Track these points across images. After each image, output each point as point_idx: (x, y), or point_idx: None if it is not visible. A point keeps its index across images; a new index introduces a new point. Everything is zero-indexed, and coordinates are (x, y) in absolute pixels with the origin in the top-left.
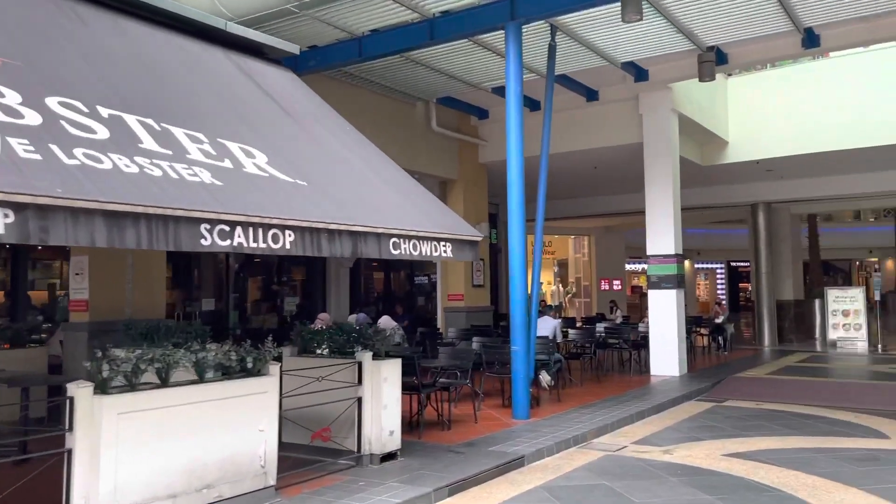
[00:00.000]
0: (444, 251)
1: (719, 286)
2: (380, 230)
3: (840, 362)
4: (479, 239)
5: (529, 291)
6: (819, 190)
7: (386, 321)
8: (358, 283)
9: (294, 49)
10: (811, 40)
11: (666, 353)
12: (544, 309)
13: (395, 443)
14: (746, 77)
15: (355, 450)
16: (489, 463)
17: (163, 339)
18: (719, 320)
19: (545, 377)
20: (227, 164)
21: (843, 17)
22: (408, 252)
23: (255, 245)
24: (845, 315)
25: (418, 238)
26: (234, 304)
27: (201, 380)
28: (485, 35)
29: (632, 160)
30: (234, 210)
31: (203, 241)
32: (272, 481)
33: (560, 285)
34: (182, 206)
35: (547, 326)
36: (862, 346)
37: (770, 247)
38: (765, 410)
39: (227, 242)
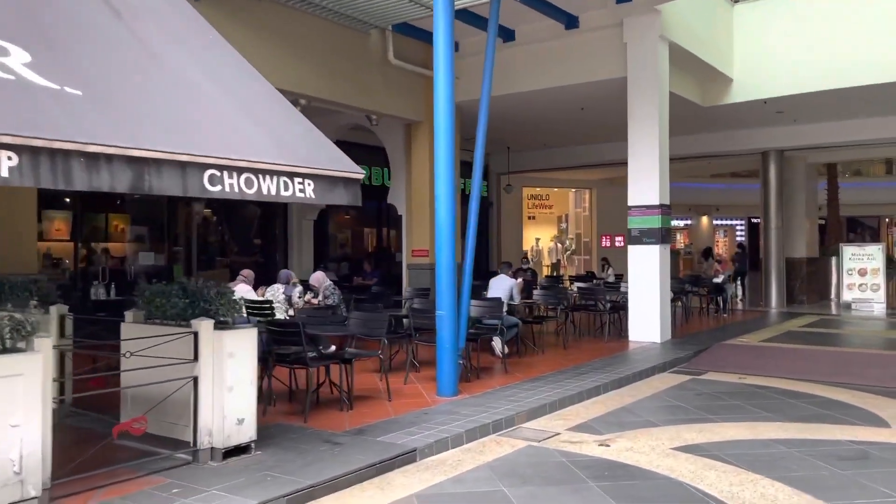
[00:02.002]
0: (302, 190)
1: (740, 239)
2: (183, 157)
3: (851, 327)
4: (360, 176)
5: (532, 250)
6: (837, 135)
7: (318, 277)
8: (326, 236)
9: None
10: None
11: (646, 317)
12: (501, 267)
13: (246, 434)
14: (753, 3)
15: (191, 443)
16: (366, 459)
17: (7, 297)
18: (719, 279)
19: (497, 344)
20: None
21: None
22: (237, 189)
23: None
24: (861, 274)
25: (255, 171)
26: (179, 257)
27: None
28: None
29: (622, 100)
30: None
31: None
32: (34, 492)
33: (558, 242)
34: None
35: (501, 287)
36: (879, 308)
37: (781, 199)
38: (747, 386)
39: None
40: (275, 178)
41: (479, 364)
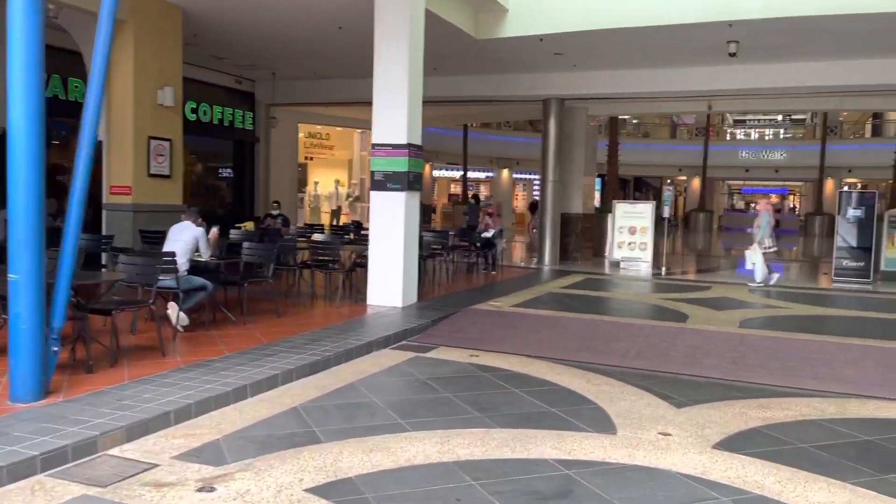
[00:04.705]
0: None
1: (536, 197)
2: None
3: (614, 289)
4: None
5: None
6: (617, 86)
7: None
8: None
9: None
10: None
11: (388, 277)
12: (187, 211)
13: None
14: None
15: None
16: None
17: None
18: (489, 234)
19: (173, 312)
20: None
21: None
22: None
23: None
24: (631, 232)
25: None
26: None
27: None
28: None
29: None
30: None
31: None
32: None
33: (338, 187)
34: None
35: (181, 238)
36: (645, 267)
37: (561, 152)
38: (473, 368)
39: None
40: None
41: (118, 345)
